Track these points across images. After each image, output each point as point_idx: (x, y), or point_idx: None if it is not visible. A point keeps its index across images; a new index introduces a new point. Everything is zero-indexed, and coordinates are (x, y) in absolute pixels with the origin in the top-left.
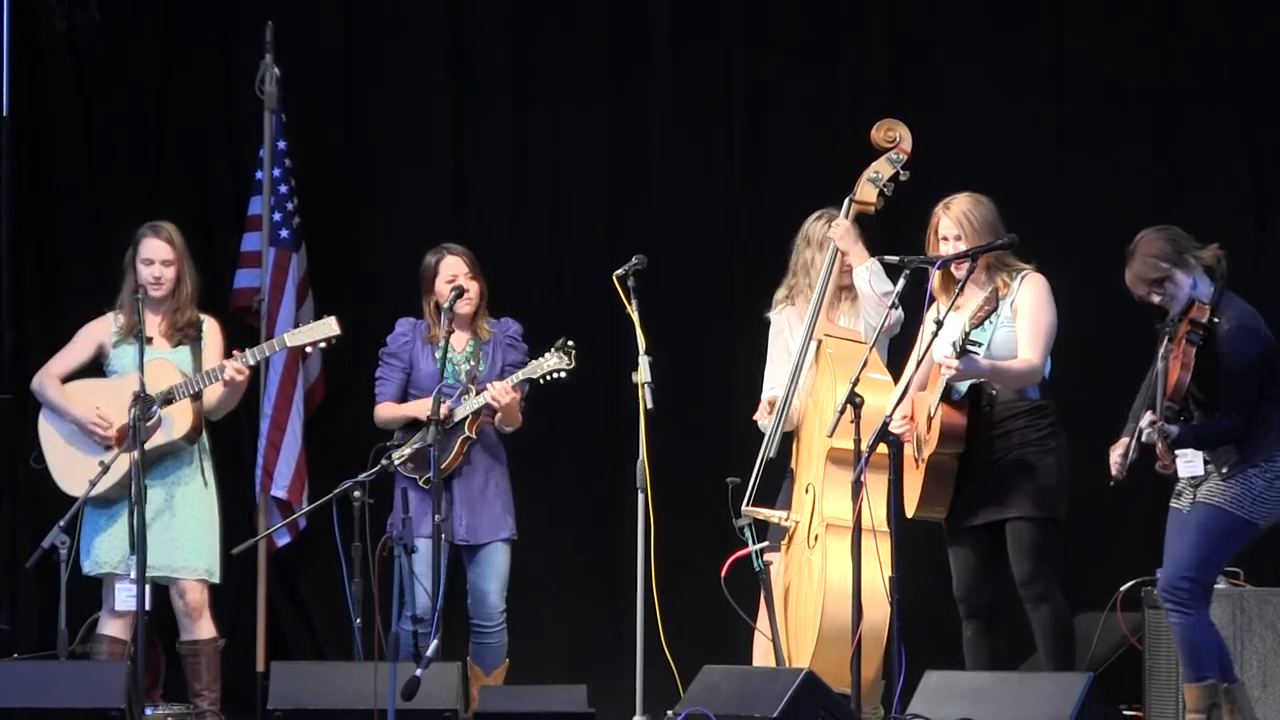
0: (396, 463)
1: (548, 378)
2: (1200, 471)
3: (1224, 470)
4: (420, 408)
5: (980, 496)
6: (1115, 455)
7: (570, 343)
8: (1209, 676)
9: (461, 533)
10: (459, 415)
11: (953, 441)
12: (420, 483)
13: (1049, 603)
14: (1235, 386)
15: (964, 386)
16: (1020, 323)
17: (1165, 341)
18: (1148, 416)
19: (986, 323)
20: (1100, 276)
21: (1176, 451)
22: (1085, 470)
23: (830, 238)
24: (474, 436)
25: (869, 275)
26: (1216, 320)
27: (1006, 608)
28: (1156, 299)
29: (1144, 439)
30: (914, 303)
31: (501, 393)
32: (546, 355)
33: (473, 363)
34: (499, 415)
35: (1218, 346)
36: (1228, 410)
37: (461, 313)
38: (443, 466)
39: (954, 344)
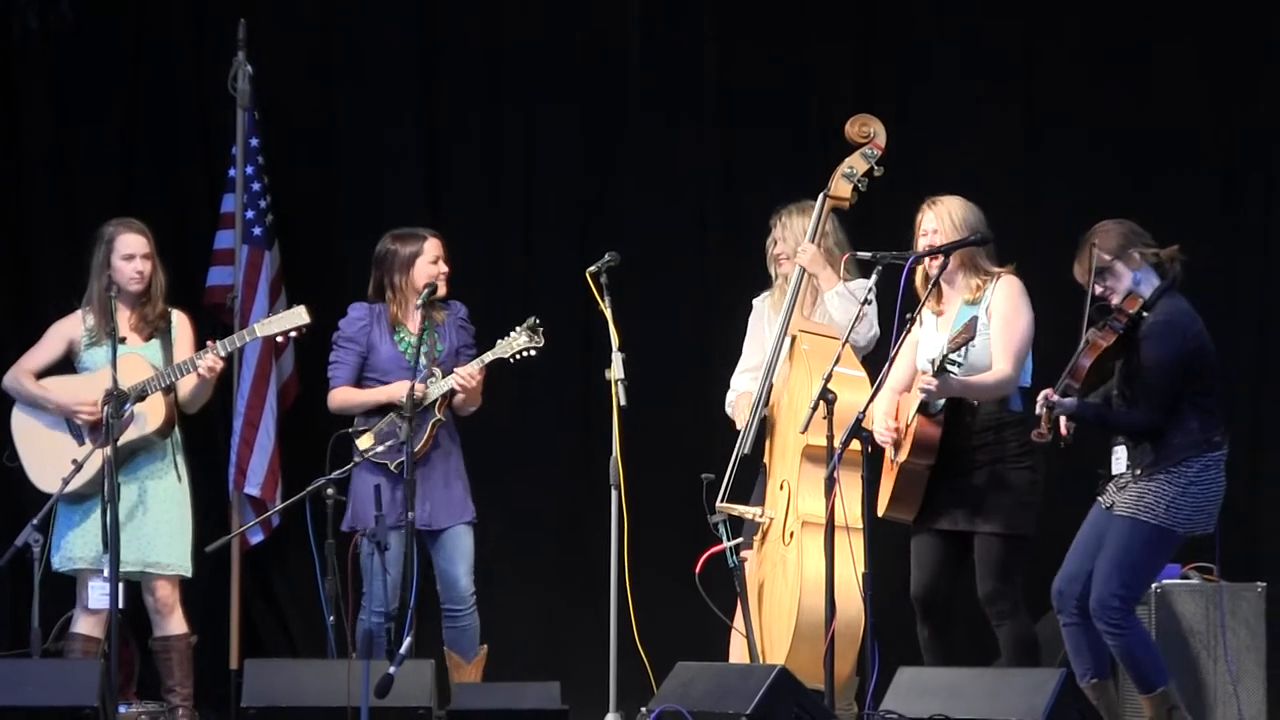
0: (368, 455)
1: (518, 356)
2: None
3: (1137, 471)
4: (388, 393)
5: (952, 502)
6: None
7: (538, 321)
8: (1160, 684)
9: (425, 518)
10: (431, 397)
11: (925, 453)
12: (392, 467)
13: (1012, 620)
14: (1148, 381)
15: (941, 401)
16: (994, 331)
17: (1093, 328)
18: (1044, 393)
19: (963, 350)
20: (1069, 275)
21: (1113, 447)
22: (1065, 471)
23: (798, 263)
24: (443, 418)
25: (838, 301)
26: (1145, 314)
27: (963, 611)
28: (1098, 289)
29: (1036, 409)
30: (888, 301)
31: (469, 376)
32: (515, 334)
33: (429, 344)
34: (461, 397)
35: (1140, 339)
36: (1140, 404)
37: (438, 297)
38: (415, 450)
39: (932, 362)
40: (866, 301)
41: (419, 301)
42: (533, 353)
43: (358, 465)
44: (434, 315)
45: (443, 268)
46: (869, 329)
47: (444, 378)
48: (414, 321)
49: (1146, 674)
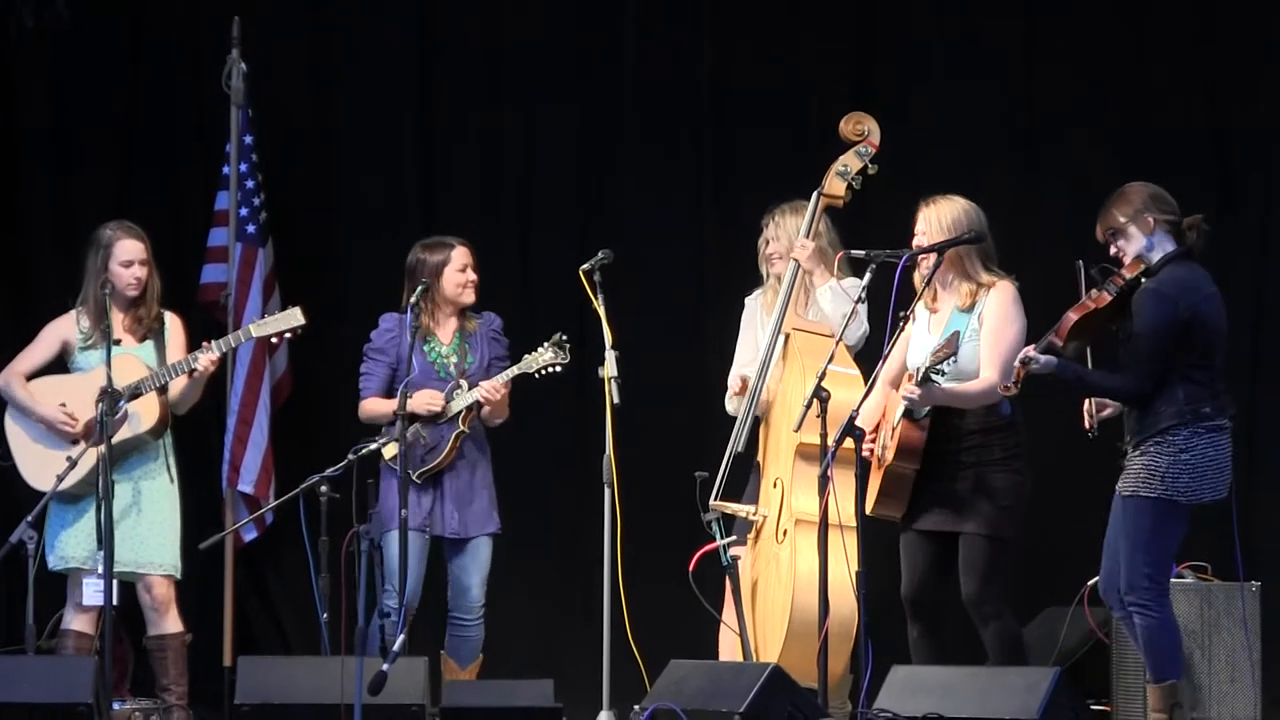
0: (387, 459)
1: (543, 372)
2: None
3: (1128, 440)
4: (411, 404)
5: (938, 503)
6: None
7: (565, 337)
8: (1171, 677)
9: (453, 526)
10: (453, 410)
11: (910, 457)
12: (415, 476)
13: (997, 620)
14: (1134, 347)
15: (926, 407)
16: (983, 339)
17: (1093, 288)
18: (1025, 349)
19: (946, 363)
20: (1070, 284)
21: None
22: (1053, 467)
23: (795, 257)
24: (467, 430)
25: (831, 296)
26: (1144, 280)
27: (954, 610)
28: (1112, 250)
29: (1015, 361)
30: (880, 299)
31: (492, 390)
32: (542, 349)
33: (460, 356)
34: (487, 409)
35: (1133, 305)
36: (1126, 369)
37: (465, 304)
38: (437, 461)
39: (916, 369)
40: (859, 300)
41: (414, 299)
42: (558, 369)
43: (384, 470)
44: (466, 325)
45: (471, 276)
46: (859, 327)
47: (470, 390)
48: (445, 331)
49: (1162, 663)
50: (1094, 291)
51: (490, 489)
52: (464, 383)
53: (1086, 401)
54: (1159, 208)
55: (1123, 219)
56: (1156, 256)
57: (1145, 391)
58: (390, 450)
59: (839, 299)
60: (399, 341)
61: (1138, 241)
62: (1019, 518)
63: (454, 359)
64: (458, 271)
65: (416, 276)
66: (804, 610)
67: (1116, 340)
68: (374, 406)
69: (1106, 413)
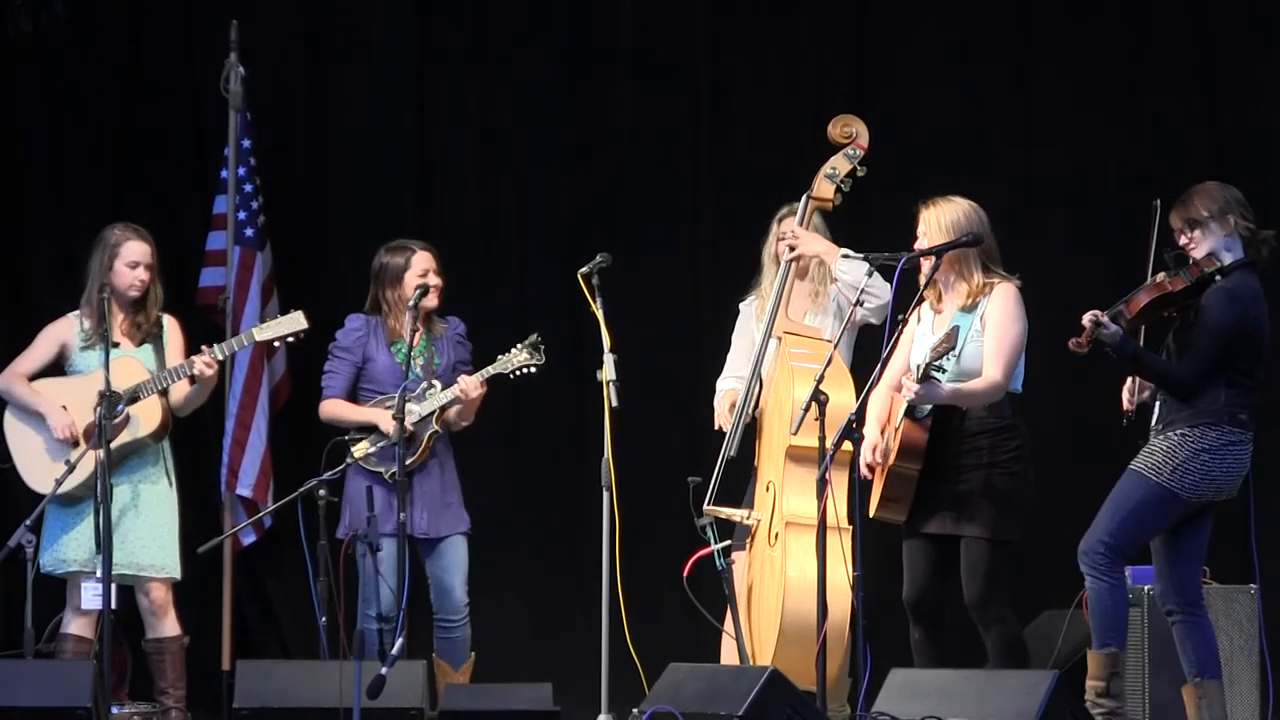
0: (359, 459)
1: (518, 373)
2: None
3: (1159, 426)
4: (375, 415)
5: (940, 507)
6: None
7: (540, 338)
8: (1111, 645)
9: (424, 526)
10: (425, 410)
11: (912, 457)
12: (386, 476)
13: (1000, 624)
14: (1197, 341)
15: (928, 406)
16: (986, 337)
17: (1164, 272)
18: (1094, 312)
19: (946, 358)
20: (1067, 285)
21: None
22: (1052, 469)
23: (797, 250)
24: (440, 430)
25: (847, 266)
26: (1218, 279)
27: (956, 614)
28: (1183, 240)
29: (1083, 321)
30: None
31: (472, 386)
32: (516, 350)
33: (426, 357)
34: (458, 410)
35: (1202, 300)
36: (1183, 359)
37: (429, 308)
38: (412, 460)
39: (917, 367)
40: (858, 304)
41: (411, 304)
42: (533, 369)
43: (352, 472)
44: (432, 329)
45: (433, 280)
46: (881, 293)
47: (444, 390)
48: (411, 334)
49: (1104, 628)
50: (1164, 274)
51: (458, 488)
52: (436, 383)
53: (1129, 381)
54: (1242, 213)
55: (1205, 213)
56: (1229, 258)
57: (1195, 385)
58: (360, 450)
59: (855, 265)
60: (365, 342)
61: (1215, 239)
62: (1022, 520)
63: (420, 360)
64: (418, 277)
65: (378, 279)
66: (794, 614)
67: (1171, 332)
68: (336, 409)
69: (1145, 395)
